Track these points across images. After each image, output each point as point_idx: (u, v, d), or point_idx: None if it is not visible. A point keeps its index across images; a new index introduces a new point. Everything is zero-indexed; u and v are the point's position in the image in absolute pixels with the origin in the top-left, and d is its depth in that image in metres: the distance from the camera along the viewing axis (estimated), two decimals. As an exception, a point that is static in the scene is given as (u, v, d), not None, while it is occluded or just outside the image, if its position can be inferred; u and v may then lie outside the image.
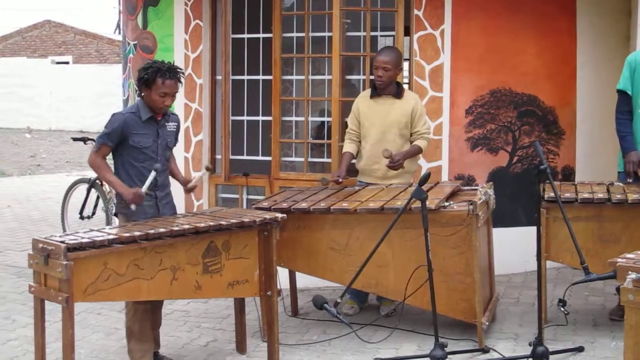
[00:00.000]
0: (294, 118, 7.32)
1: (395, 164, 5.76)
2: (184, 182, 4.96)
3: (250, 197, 7.17)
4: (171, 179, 5.01)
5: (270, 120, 7.11)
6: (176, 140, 4.95)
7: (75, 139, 8.43)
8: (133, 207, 4.58)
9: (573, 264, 5.10)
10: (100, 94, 26.11)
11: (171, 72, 4.62)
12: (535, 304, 5.92)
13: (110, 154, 4.70)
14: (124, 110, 4.82)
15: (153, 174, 4.57)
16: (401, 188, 5.71)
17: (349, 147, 6.04)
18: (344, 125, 6.77)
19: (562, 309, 4.63)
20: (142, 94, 4.67)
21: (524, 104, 7.02)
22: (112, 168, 4.78)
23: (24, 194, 12.39)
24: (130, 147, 4.66)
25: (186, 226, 4.39)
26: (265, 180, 7.08)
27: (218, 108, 7.31)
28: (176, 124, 4.89)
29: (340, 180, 5.82)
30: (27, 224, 9.59)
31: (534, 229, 4.93)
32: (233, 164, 7.25)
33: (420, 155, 6.13)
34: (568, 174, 7.15)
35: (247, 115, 7.40)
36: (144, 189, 4.59)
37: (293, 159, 7.40)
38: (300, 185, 6.72)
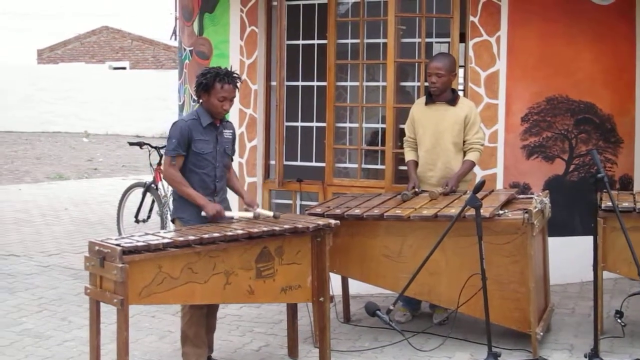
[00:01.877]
0: (348, 124, 7.25)
1: (450, 192, 5.74)
2: (248, 203, 4.92)
3: (304, 203, 7.12)
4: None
5: (324, 126, 7.05)
6: (234, 148, 4.94)
7: (131, 144, 8.45)
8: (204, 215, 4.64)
9: (630, 275, 5.04)
10: (155, 99, 26.31)
11: (229, 77, 4.64)
12: (591, 315, 5.81)
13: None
14: (185, 117, 4.81)
15: (249, 214, 4.63)
16: (455, 196, 5.67)
17: (410, 154, 6.03)
18: (398, 132, 6.75)
19: (618, 320, 4.53)
20: (201, 100, 4.68)
21: (581, 112, 6.92)
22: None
23: (81, 197, 12.48)
24: (193, 153, 4.65)
25: (240, 231, 4.39)
26: (318, 186, 7.02)
27: (272, 114, 7.21)
28: (231, 131, 4.87)
29: (418, 190, 5.83)
30: (83, 226, 9.65)
31: (590, 238, 4.87)
32: (287, 169, 7.16)
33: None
34: (626, 183, 7.07)
35: (301, 121, 7.36)
36: (229, 214, 4.64)
37: (347, 165, 7.30)
38: (354, 191, 6.66)
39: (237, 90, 4.68)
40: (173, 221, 4.79)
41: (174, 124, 4.66)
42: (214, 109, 4.65)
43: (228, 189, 4.96)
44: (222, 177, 4.80)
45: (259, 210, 4.75)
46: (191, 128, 4.63)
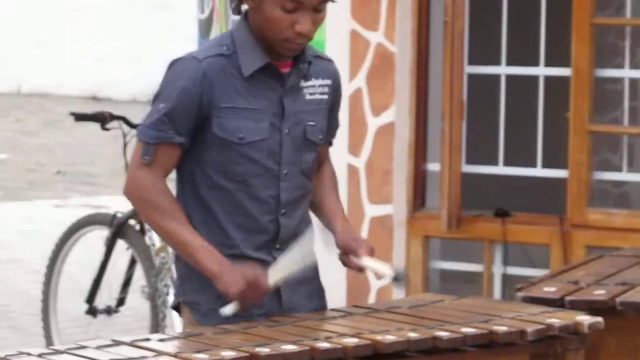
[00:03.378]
0: (626, 72, 5.31)
1: None
2: (343, 246, 3.13)
3: (512, 269, 5.11)
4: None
5: (559, 75, 5.02)
6: (335, 122, 3.18)
7: (79, 117, 6.01)
8: (230, 310, 2.97)
9: None
10: (140, 8, 17.27)
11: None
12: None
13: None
14: (201, 49, 3.25)
15: (298, 262, 3.05)
16: None
17: None
18: None
19: None
20: (245, 10, 3.04)
21: None
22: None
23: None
24: (213, 142, 3.04)
25: (328, 346, 2.79)
26: (550, 228, 4.99)
27: (434, 48, 5.07)
28: (329, 82, 3.12)
29: None
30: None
31: None
32: (469, 183, 5.03)
33: None
34: None
35: (506, 63, 5.21)
36: (274, 278, 3.01)
37: (622, 175, 5.43)
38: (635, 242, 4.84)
39: None
40: (177, 309, 3.22)
41: (171, 64, 3.10)
42: (272, 32, 2.97)
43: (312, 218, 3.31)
44: (299, 202, 3.11)
45: (367, 261, 3.19)
46: (211, 79, 3.00)
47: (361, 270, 3.19)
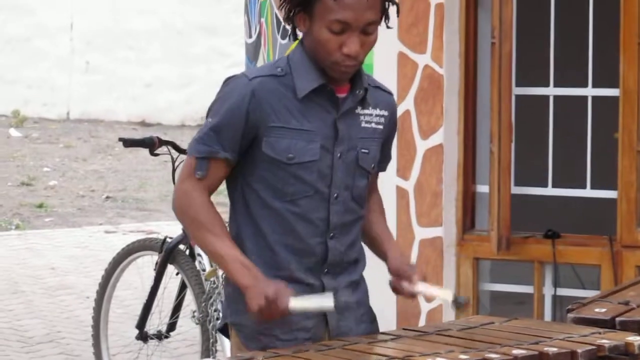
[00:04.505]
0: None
1: None
2: (396, 271, 3.17)
3: (562, 290, 5.09)
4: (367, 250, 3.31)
5: (604, 95, 5.03)
6: (387, 152, 3.20)
7: (127, 142, 5.99)
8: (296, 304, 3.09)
9: None
10: (188, 30, 16.74)
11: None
12: None
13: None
14: (256, 69, 3.50)
15: (325, 304, 3.03)
16: None
17: None
18: None
19: None
20: (300, 33, 3.06)
21: None
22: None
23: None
24: (264, 161, 3.05)
25: None
26: (600, 249, 4.98)
27: (482, 69, 5.06)
28: (386, 112, 3.11)
29: None
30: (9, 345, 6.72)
31: None
32: (518, 205, 4.98)
33: None
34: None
35: (554, 84, 5.15)
36: (297, 305, 3.01)
37: None
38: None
39: (386, 9, 3.00)
40: (223, 331, 3.26)
41: (225, 81, 3.14)
42: (322, 54, 2.99)
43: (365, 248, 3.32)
44: (348, 227, 3.10)
45: (422, 286, 3.21)
46: (260, 97, 3.01)
47: (413, 296, 3.18)
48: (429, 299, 3.34)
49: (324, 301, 2.98)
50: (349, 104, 2.94)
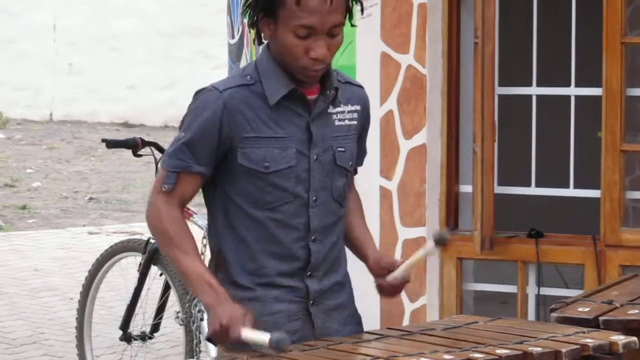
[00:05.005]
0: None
1: None
2: (377, 265, 3.14)
3: (546, 290, 5.06)
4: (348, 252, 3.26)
5: (589, 94, 5.00)
6: (362, 148, 3.16)
7: (111, 144, 6.13)
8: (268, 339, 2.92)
9: None
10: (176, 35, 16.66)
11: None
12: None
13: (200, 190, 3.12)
14: (225, 80, 3.15)
15: (265, 341, 2.90)
16: None
17: None
18: None
19: None
20: (264, 39, 3.02)
21: None
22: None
23: None
24: (240, 172, 3.00)
25: None
26: (584, 248, 4.95)
27: (466, 70, 4.98)
28: (359, 105, 3.10)
29: None
30: None
31: None
32: (501, 205, 4.96)
33: None
34: None
35: (536, 84, 5.16)
36: (248, 336, 2.93)
37: None
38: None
39: (354, 6, 2.97)
40: (211, 340, 3.16)
41: (195, 94, 3.09)
42: (289, 59, 2.95)
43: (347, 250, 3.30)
44: (330, 229, 3.07)
45: (405, 264, 3.21)
46: (232, 109, 2.97)
47: (402, 283, 3.14)
48: (415, 265, 3.24)
49: (266, 339, 2.97)
50: (320, 105, 2.93)
